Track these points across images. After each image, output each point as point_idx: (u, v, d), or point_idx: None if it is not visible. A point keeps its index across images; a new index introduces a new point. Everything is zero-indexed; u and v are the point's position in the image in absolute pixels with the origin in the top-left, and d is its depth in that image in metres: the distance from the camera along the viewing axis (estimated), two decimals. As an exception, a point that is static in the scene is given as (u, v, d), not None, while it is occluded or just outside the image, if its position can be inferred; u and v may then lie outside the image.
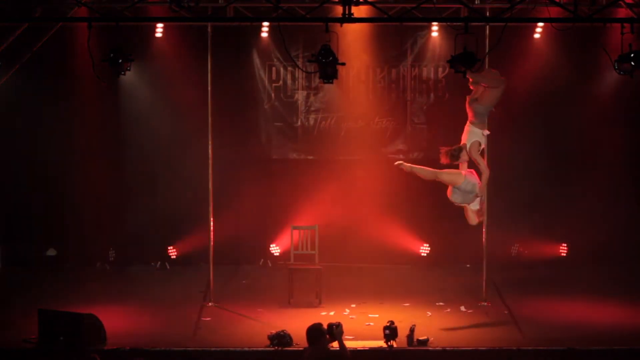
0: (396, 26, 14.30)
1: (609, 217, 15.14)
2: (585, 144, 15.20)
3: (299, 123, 15.54)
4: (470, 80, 11.39)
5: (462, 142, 11.67)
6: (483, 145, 11.81)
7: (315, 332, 8.36)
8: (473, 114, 11.86)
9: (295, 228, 13.35)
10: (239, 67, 15.27)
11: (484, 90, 11.79)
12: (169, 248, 15.40)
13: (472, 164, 11.48)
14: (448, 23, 13.71)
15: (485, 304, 12.62)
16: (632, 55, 10.86)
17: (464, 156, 11.10)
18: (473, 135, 11.45)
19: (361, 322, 11.69)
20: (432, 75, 15.40)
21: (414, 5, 11.87)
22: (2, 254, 15.03)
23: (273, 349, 10.46)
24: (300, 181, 15.31)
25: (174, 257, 15.42)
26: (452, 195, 11.09)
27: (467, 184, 11.05)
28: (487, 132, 12.47)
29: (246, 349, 10.50)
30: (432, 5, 12.66)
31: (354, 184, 15.27)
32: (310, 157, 15.58)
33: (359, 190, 15.26)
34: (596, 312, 12.15)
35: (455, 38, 11.03)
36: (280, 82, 15.45)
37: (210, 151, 12.78)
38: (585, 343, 10.57)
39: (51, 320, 10.58)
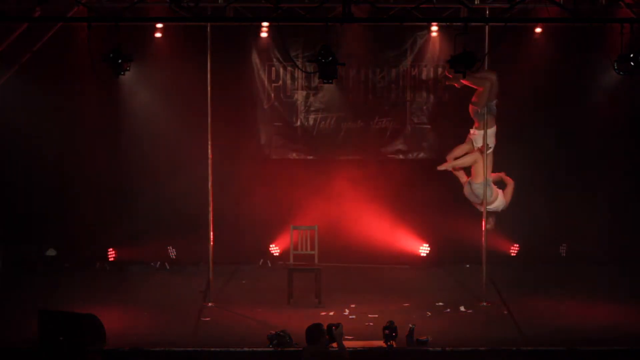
0: (396, 26, 14.31)
1: (609, 217, 15.15)
2: (585, 143, 15.21)
3: (299, 123, 15.55)
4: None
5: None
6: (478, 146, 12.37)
7: (314, 332, 8.36)
8: (475, 117, 12.39)
9: (295, 228, 13.35)
10: (239, 67, 15.27)
11: (476, 91, 12.23)
12: (169, 248, 15.41)
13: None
14: (448, 23, 13.77)
15: (485, 304, 12.62)
16: (631, 55, 10.87)
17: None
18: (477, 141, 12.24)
19: (361, 322, 11.69)
20: (431, 76, 15.41)
21: (413, 6, 11.87)
22: (1, 254, 15.02)
23: (273, 349, 10.46)
24: (300, 181, 15.32)
25: (174, 257, 15.44)
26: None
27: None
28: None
29: (246, 349, 10.49)
30: (432, 6, 12.69)
31: (353, 184, 15.27)
32: (310, 157, 15.59)
33: (359, 190, 15.26)
34: (596, 312, 12.14)
35: (455, 38, 11.04)
36: (280, 82, 15.46)
37: (210, 151, 12.77)
38: (585, 343, 10.56)
39: (51, 320, 10.57)
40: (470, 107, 12.86)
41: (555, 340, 10.76)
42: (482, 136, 12.74)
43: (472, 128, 12.96)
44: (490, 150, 12.84)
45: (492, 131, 12.81)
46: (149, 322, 11.74)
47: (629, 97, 14.85)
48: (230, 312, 12.31)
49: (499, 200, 12.92)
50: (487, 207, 12.78)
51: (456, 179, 14.25)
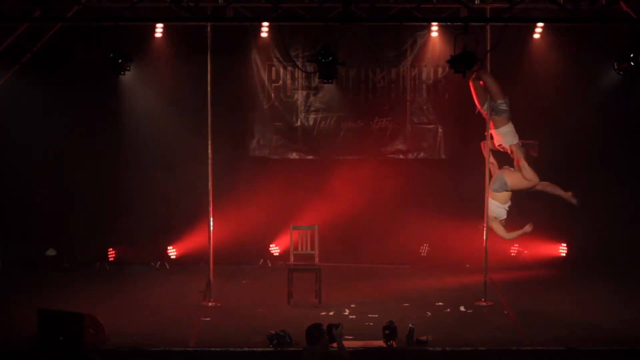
0: (396, 26, 14.30)
1: (609, 217, 15.15)
2: (585, 143, 15.20)
3: (299, 123, 15.55)
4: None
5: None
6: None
7: (314, 332, 8.36)
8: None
9: (295, 228, 13.34)
10: (239, 67, 15.28)
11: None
12: (169, 248, 15.41)
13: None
14: (448, 23, 13.77)
15: (485, 304, 12.61)
16: (631, 55, 10.85)
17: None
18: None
19: (361, 322, 11.68)
20: (431, 75, 15.41)
21: (413, 6, 11.87)
22: (2, 254, 15.02)
23: (273, 349, 10.46)
24: (300, 181, 15.33)
25: (174, 257, 15.44)
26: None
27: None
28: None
29: (246, 349, 10.49)
30: (432, 6, 12.69)
31: (353, 184, 15.27)
32: (310, 157, 15.59)
33: (359, 190, 15.26)
34: (596, 312, 12.14)
35: (455, 38, 11.04)
36: (280, 82, 15.46)
37: (210, 151, 12.76)
38: (585, 343, 10.56)
39: (51, 320, 10.57)
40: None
41: (555, 340, 10.75)
42: (498, 135, 12.74)
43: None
44: (515, 143, 12.81)
45: (504, 130, 12.76)
46: (149, 322, 11.73)
47: (629, 97, 14.85)
48: (230, 312, 12.30)
49: (501, 208, 12.85)
50: (490, 199, 12.71)
51: (457, 179, 14.31)
